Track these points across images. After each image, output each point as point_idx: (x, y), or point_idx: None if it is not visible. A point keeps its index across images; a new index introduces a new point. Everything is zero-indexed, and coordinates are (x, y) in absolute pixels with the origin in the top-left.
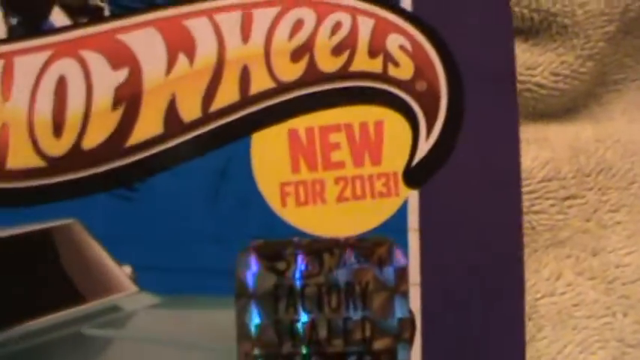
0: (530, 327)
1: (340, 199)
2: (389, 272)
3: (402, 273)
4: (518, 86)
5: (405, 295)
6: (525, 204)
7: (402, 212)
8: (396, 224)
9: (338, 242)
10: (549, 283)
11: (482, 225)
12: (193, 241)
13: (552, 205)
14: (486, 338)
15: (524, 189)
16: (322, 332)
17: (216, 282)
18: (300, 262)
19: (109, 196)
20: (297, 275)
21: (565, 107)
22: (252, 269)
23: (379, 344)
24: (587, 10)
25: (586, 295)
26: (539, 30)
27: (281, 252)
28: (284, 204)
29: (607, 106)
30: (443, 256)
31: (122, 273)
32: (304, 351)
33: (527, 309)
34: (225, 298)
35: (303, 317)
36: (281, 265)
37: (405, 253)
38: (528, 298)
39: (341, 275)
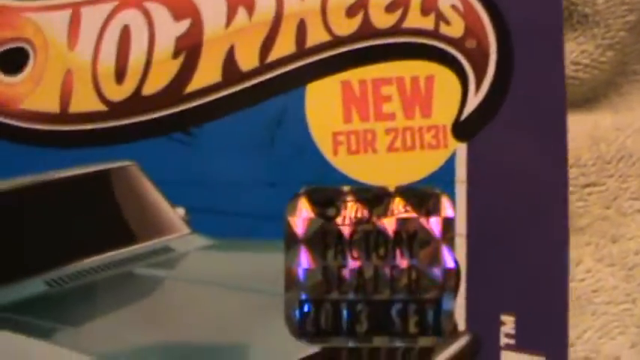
0: None
1: (390, 149)
2: (436, 222)
3: (449, 223)
4: None
5: (451, 245)
6: None
7: (450, 164)
8: (444, 175)
9: (387, 191)
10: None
11: (527, 178)
12: (247, 185)
13: (572, 193)
14: (530, 288)
15: None
16: (369, 280)
17: (267, 226)
18: (350, 210)
19: (166, 140)
20: (347, 222)
21: (585, 96)
22: (302, 215)
23: (424, 293)
24: None
25: (605, 281)
26: None
27: (331, 199)
28: (336, 152)
29: (627, 96)
30: (489, 208)
31: (175, 215)
32: (351, 297)
33: None
34: (276, 243)
35: (351, 264)
36: (331, 212)
37: (453, 204)
38: None
39: (389, 224)
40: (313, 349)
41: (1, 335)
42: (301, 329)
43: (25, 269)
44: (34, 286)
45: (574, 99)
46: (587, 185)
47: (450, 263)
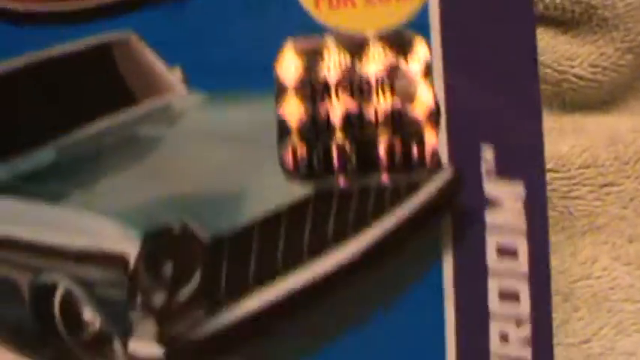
0: (566, 308)
1: (368, 2)
2: (414, 62)
3: (426, 62)
4: (557, 76)
5: (429, 83)
6: (563, 190)
7: (423, 13)
8: (419, 23)
9: (367, 37)
10: (585, 267)
11: (497, 23)
12: (238, 42)
13: (590, 192)
14: (507, 118)
15: (562, 175)
16: (355, 122)
17: (258, 79)
18: (334, 57)
19: (162, 9)
20: (331, 69)
21: (603, 99)
22: (289, 65)
23: (408, 130)
24: (628, 2)
25: (622, 279)
26: (580, 22)
27: (316, 48)
28: (318, 7)
29: None
30: (463, 53)
31: (174, 77)
32: (339, 139)
33: (564, 291)
34: (267, 94)
35: (338, 108)
36: (316, 61)
37: (429, 45)
38: (564, 281)
39: (370, 68)
40: (307, 190)
41: (8, 201)
42: (295, 171)
43: (34, 140)
44: (44, 155)
45: (592, 102)
46: (605, 185)
47: (429, 101)
